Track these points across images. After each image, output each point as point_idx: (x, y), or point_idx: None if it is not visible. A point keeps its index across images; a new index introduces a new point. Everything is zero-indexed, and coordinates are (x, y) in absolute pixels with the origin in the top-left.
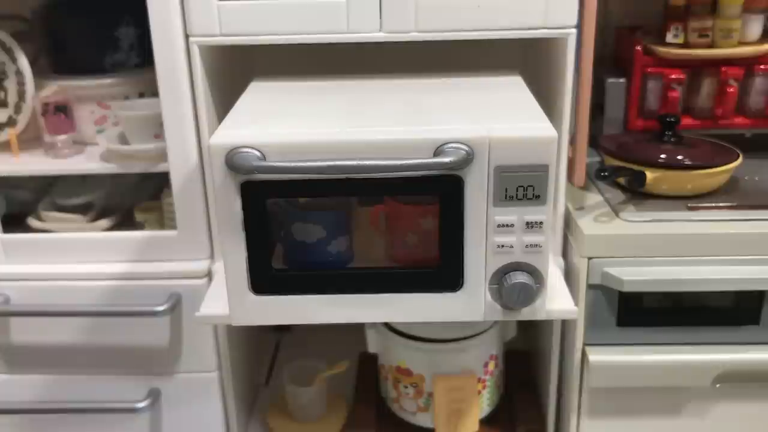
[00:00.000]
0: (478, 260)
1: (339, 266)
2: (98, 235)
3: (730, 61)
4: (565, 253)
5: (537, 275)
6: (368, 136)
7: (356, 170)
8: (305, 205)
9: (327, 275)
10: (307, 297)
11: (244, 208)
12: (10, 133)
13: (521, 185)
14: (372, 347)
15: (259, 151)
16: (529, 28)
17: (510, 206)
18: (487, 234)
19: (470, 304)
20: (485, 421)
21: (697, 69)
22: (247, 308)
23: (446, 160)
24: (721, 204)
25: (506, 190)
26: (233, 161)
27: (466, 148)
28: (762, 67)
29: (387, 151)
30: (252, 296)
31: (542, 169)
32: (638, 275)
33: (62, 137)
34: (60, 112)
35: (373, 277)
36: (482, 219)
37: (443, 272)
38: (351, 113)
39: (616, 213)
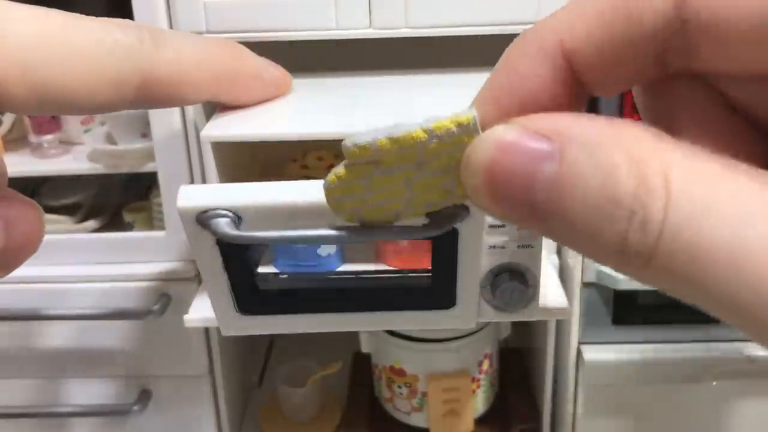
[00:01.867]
0: (473, 284)
1: (330, 268)
2: (86, 236)
3: None
4: (559, 251)
5: (530, 275)
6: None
7: (340, 240)
8: None
9: (315, 294)
10: (296, 316)
11: (223, 254)
12: None
13: None
14: (365, 347)
15: (233, 213)
16: (522, 23)
17: None
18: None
19: (463, 316)
20: (480, 421)
21: None
22: (235, 325)
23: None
24: None
25: None
26: (205, 224)
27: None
28: None
29: None
30: (240, 317)
31: None
32: None
33: (48, 137)
34: None
35: (362, 297)
36: (478, 250)
37: (434, 295)
38: (340, 111)
39: None
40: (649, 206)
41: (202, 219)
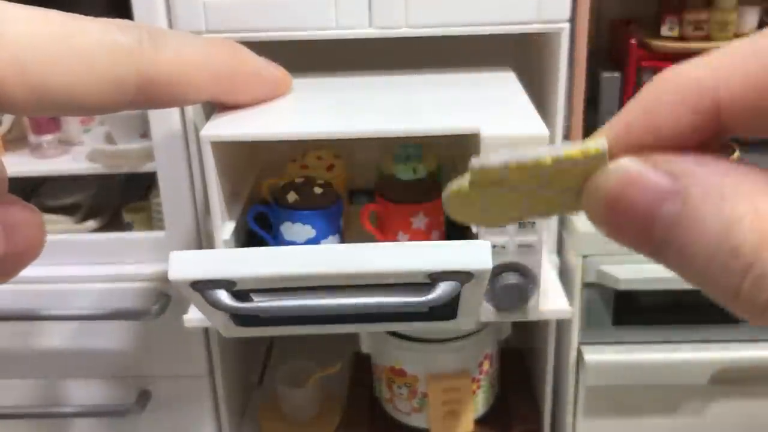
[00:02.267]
0: (475, 307)
1: None
2: (86, 236)
3: None
4: (560, 251)
5: (530, 275)
6: (354, 128)
7: (341, 310)
8: (294, 204)
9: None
10: (292, 327)
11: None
12: None
13: None
14: (365, 347)
15: (226, 281)
16: (521, 23)
17: None
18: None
19: (464, 323)
20: (480, 421)
21: None
22: (235, 330)
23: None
24: None
25: None
26: (201, 292)
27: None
28: None
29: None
30: (237, 328)
31: None
32: (634, 273)
33: (48, 137)
34: None
35: (361, 316)
36: (480, 295)
37: (434, 315)
38: (340, 111)
39: None
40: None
41: (197, 287)
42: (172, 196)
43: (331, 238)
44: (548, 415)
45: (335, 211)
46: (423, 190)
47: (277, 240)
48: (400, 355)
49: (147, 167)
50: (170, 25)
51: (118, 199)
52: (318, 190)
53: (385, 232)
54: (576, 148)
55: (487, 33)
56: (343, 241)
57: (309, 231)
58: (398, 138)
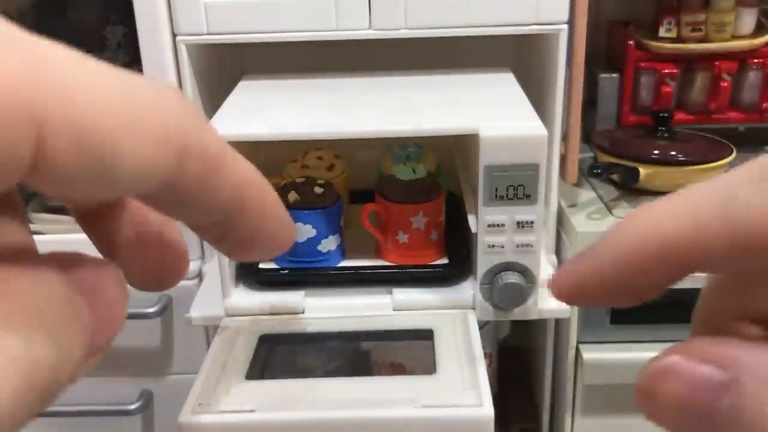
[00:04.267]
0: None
1: (330, 264)
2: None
3: (723, 55)
4: (558, 251)
5: (528, 275)
6: (354, 128)
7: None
8: (294, 204)
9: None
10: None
11: None
12: None
13: (511, 185)
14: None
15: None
16: (520, 24)
17: (500, 206)
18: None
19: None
20: None
21: (690, 63)
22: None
23: None
24: None
25: (496, 189)
26: None
27: None
28: (755, 60)
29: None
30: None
31: (532, 169)
32: None
33: None
34: None
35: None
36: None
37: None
38: (340, 111)
39: (610, 210)
40: None
41: None
42: None
43: (331, 237)
44: (547, 413)
45: (335, 210)
46: (423, 190)
47: None
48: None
49: None
50: (171, 26)
51: None
52: (318, 190)
53: (385, 231)
54: None
55: (486, 34)
56: (343, 240)
57: (309, 230)
58: (398, 138)
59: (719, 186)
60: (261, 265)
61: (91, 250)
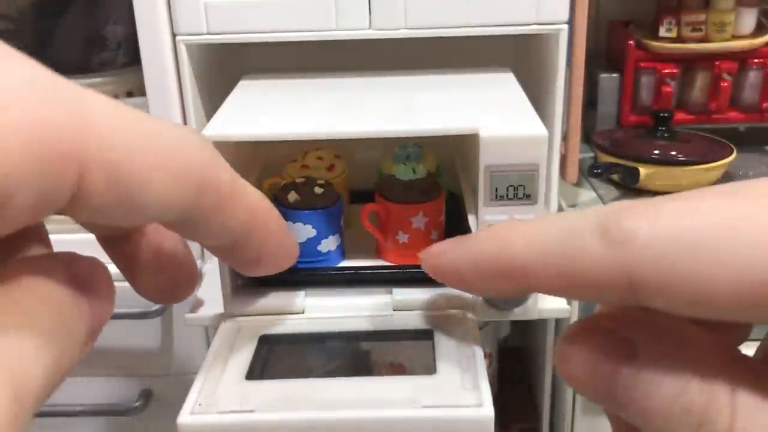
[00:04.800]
0: None
1: (330, 264)
2: (87, 236)
3: (723, 55)
4: None
5: None
6: (354, 128)
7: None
8: (294, 204)
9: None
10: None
11: None
12: None
13: (512, 185)
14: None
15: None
16: (520, 24)
17: (500, 206)
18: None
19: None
20: None
21: (690, 63)
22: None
23: None
24: None
25: (496, 189)
26: None
27: None
28: (756, 60)
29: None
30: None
31: (533, 169)
32: None
33: None
34: None
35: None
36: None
37: None
38: (340, 111)
39: None
40: (715, 423)
41: None
42: None
43: (331, 237)
44: (547, 413)
45: (335, 211)
46: (423, 190)
47: None
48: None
49: None
50: (171, 26)
51: None
52: (318, 190)
53: (384, 231)
54: None
55: (486, 34)
56: (343, 240)
57: (309, 230)
58: (398, 138)
59: (568, 225)
60: None
61: (94, 250)
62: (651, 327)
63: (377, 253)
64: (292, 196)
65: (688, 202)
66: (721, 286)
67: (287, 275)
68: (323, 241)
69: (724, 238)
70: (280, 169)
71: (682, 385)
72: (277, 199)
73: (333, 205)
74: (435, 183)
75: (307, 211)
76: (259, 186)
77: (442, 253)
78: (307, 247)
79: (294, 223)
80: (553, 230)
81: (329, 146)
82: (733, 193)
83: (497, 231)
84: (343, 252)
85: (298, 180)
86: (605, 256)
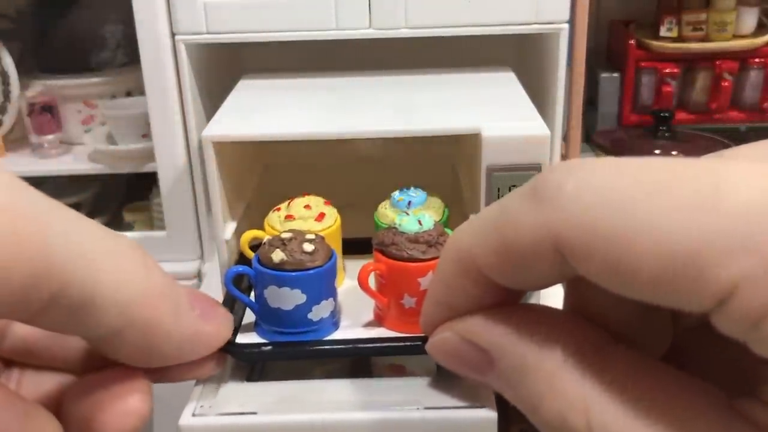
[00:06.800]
0: None
1: (322, 336)
2: None
3: (724, 55)
4: None
5: None
6: (355, 129)
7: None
8: (280, 265)
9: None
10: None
11: None
12: None
13: (514, 185)
14: None
15: None
16: (520, 24)
17: None
18: None
19: None
20: None
21: (691, 63)
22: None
23: None
24: None
25: (498, 189)
26: None
27: None
28: (756, 60)
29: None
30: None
31: (534, 168)
32: None
33: (49, 137)
34: (46, 112)
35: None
36: None
37: None
38: (340, 111)
39: None
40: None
41: None
42: (173, 196)
43: (324, 303)
44: None
45: (329, 270)
46: (432, 244)
47: (260, 305)
48: None
49: (148, 167)
50: (171, 26)
51: (118, 200)
52: (308, 247)
53: (387, 294)
54: None
55: (487, 34)
56: (337, 304)
57: (298, 296)
58: (393, 184)
59: (506, 198)
60: (238, 340)
61: None
62: (510, 337)
63: (377, 318)
64: (277, 256)
65: (627, 160)
66: (641, 252)
67: (269, 353)
68: (314, 308)
69: (651, 195)
70: (282, 169)
71: (537, 398)
72: (260, 260)
73: (326, 263)
74: (444, 234)
75: (295, 273)
76: (237, 240)
77: (424, 315)
78: (296, 316)
79: (280, 287)
80: (493, 207)
81: (317, 192)
82: (674, 159)
83: (448, 239)
84: (337, 321)
85: (284, 235)
86: (532, 217)
